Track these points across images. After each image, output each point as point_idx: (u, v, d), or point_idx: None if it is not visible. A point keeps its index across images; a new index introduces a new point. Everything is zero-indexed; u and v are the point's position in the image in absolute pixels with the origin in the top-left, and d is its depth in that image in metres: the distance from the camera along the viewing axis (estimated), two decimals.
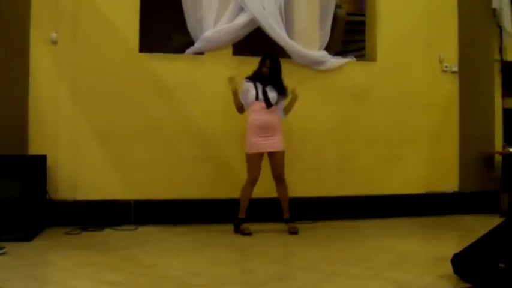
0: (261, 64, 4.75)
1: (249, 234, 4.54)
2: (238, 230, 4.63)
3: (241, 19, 5.17)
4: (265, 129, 4.60)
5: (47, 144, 4.85)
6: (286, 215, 4.79)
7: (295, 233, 4.64)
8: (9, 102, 4.81)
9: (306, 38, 5.41)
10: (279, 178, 4.71)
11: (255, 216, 4.85)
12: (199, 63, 5.24)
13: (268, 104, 4.62)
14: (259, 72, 4.74)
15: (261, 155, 4.63)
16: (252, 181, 4.63)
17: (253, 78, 4.73)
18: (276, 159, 4.66)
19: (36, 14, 4.88)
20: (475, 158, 5.88)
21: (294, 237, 4.54)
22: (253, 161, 4.61)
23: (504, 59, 6.08)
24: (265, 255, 3.93)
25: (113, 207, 4.99)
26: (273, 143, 4.61)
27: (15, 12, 4.84)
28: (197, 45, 5.19)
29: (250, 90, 4.68)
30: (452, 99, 5.87)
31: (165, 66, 5.17)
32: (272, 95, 4.66)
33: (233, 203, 4.79)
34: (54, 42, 4.91)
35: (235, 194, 4.76)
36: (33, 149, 4.83)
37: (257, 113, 4.64)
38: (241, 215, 4.69)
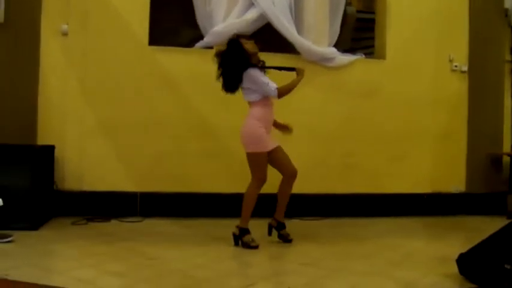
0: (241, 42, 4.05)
1: (256, 247, 3.87)
2: (243, 244, 3.92)
3: (251, 14, 5.17)
4: (271, 124, 4.12)
5: (55, 135, 4.89)
6: (282, 218, 4.18)
7: (290, 241, 4.15)
8: (19, 93, 4.85)
9: (315, 35, 5.40)
10: (295, 171, 4.12)
11: (257, 211, 4.43)
12: (208, 58, 5.17)
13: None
14: (246, 53, 4.01)
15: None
16: (262, 184, 4.03)
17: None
18: (283, 152, 4.10)
19: (47, 6, 4.91)
20: (483, 158, 5.83)
21: (298, 234, 4.34)
22: (264, 160, 4.00)
23: None
24: (268, 250, 3.93)
25: (119, 198, 5.03)
26: (274, 138, 4.12)
27: (26, 4, 4.86)
28: (206, 40, 5.19)
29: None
30: (461, 99, 5.82)
31: (174, 59, 5.19)
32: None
33: (238, 198, 4.77)
34: (65, 34, 4.94)
35: (240, 188, 4.73)
36: (42, 140, 4.86)
37: (266, 106, 4.07)
38: (245, 225, 3.98)
